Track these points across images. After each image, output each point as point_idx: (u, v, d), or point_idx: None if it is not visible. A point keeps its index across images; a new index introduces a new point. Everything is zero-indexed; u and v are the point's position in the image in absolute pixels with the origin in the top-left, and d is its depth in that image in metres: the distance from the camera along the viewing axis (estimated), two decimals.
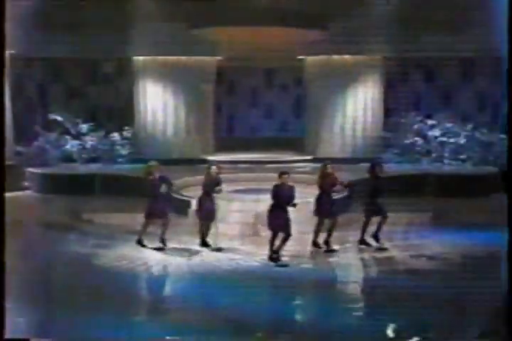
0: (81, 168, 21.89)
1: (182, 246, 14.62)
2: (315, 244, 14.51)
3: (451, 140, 22.32)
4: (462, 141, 22.28)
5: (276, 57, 22.29)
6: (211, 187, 14.52)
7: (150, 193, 14.44)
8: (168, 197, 14.98)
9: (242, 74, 25.11)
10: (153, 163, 14.67)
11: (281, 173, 13.61)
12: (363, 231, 14.67)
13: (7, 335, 8.08)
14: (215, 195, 14.47)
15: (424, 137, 22.63)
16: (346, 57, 22.64)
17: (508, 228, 9.64)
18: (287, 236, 13.35)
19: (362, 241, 14.67)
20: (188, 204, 16.78)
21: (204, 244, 14.59)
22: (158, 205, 14.50)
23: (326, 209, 14.42)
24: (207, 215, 14.53)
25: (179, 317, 10.36)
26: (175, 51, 22.15)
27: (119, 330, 9.68)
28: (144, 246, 14.47)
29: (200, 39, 20.71)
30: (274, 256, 13.41)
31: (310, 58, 23.11)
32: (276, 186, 13.53)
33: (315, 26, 19.96)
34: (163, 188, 14.37)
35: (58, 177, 20.91)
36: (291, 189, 13.55)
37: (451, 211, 18.10)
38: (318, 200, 14.54)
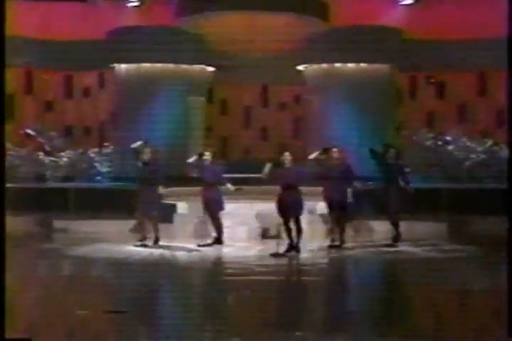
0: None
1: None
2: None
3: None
4: (480, 157, 19.99)
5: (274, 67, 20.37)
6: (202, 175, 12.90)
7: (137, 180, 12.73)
8: (156, 189, 12.88)
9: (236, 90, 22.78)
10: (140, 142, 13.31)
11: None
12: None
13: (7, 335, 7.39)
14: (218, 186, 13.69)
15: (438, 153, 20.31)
16: (351, 65, 20.39)
17: (508, 228, 9.88)
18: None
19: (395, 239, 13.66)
20: (173, 209, 14.58)
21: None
22: (145, 198, 12.57)
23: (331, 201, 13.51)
24: (206, 206, 13.54)
25: None
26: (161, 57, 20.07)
27: None
28: (145, 246, 13.21)
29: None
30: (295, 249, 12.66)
31: (310, 68, 20.81)
32: (275, 169, 11.89)
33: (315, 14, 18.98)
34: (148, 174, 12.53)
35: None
36: (294, 170, 11.82)
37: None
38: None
